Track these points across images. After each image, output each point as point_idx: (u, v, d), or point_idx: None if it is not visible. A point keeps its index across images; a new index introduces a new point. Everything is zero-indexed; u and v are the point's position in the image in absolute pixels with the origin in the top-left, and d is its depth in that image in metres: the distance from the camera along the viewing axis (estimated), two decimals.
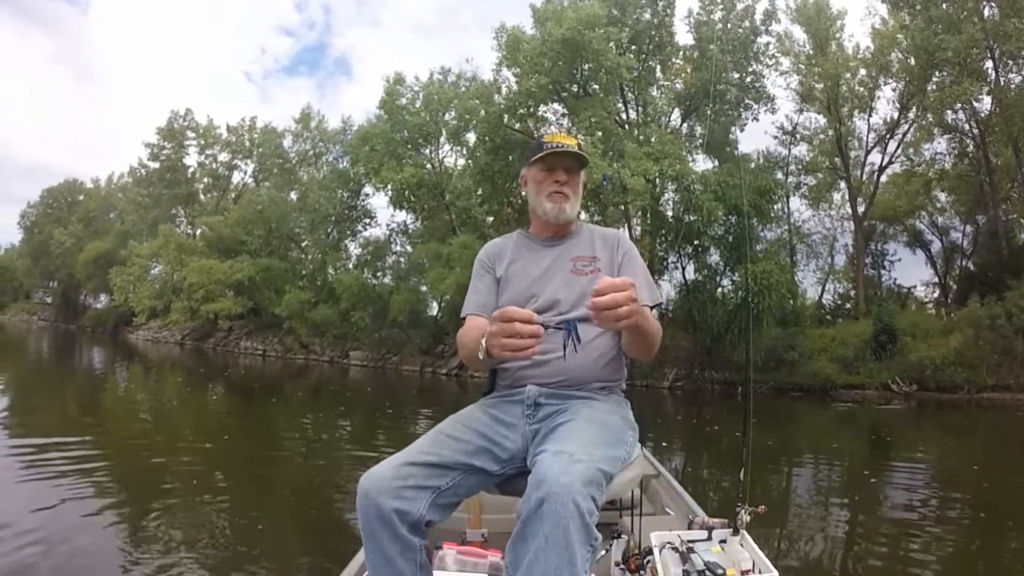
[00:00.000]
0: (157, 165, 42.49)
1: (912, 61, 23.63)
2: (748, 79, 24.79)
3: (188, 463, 7.62)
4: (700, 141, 25.11)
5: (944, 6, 22.01)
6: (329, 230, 33.86)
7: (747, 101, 24.97)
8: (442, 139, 27.70)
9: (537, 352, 1.48)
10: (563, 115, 25.13)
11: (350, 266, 32.87)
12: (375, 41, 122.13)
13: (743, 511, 2.34)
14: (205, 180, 43.87)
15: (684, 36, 25.92)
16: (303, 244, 36.10)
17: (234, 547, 4.86)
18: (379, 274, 31.97)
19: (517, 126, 24.46)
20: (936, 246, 30.11)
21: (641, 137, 22.74)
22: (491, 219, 26.88)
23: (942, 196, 29.25)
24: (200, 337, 37.56)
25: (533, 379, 1.82)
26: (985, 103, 23.40)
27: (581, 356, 1.79)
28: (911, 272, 41.56)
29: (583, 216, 2.40)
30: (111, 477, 6.61)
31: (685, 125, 26.13)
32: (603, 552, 2.28)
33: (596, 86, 23.82)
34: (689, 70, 25.20)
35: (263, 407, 14.54)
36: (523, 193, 2.16)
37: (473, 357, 1.70)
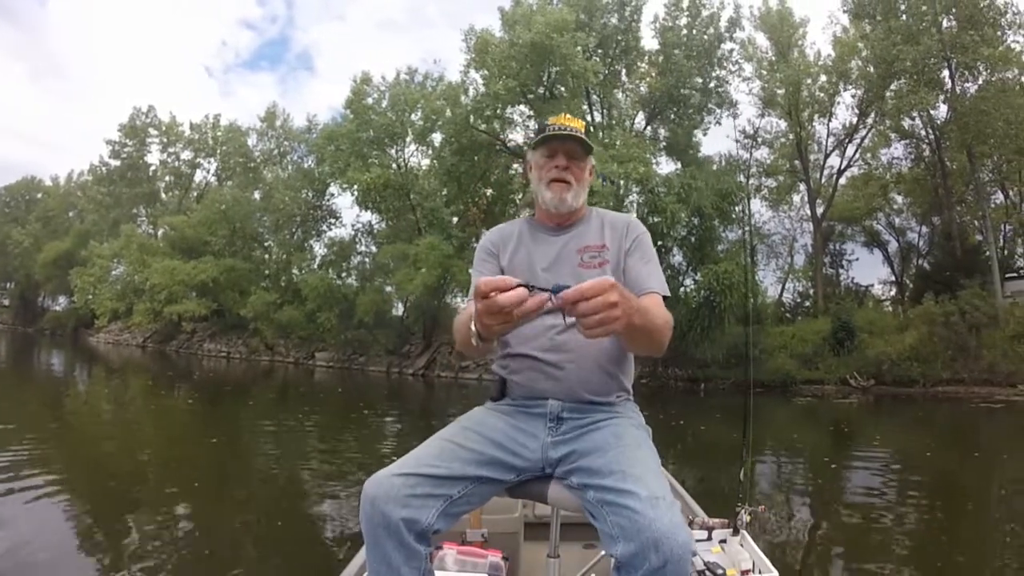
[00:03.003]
0: (118, 163, 41.65)
1: (871, 69, 24.23)
2: (712, 84, 25.19)
3: (164, 469, 7.38)
4: (663, 144, 25.48)
5: (904, 17, 22.61)
6: (294, 230, 33.57)
7: (710, 105, 25.35)
8: (408, 139, 27.56)
9: (533, 316, 1.33)
10: (529, 117, 25.27)
11: (315, 266, 32.54)
12: (339, 36, 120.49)
13: (743, 511, 2.37)
14: (167, 178, 42.99)
15: (650, 41, 26.28)
16: (266, 244, 35.64)
17: (221, 555, 4.70)
18: (344, 275, 31.78)
19: (483, 127, 24.56)
20: (893, 246, 31.26)
21: (606, 140, 22.97)
22: (456, 220, 26.89)
23: (899, 198, 30.24)
24: (162, 340, 36.83)
25: (553, 394, 1.74)
26: (941, 111, 24.18)
27: (596, 368, 1.75)
28: (868, 271, 42.83)
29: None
30: (77, 486, 6.28)
31: (649, 128, 26.46)
32: (602, 553, 2.28)
33: (562, 89, 23.98)
34: (654, 74, 25.50)
35: (239, 410, 14.16)
36: (529, 178, 2.00)
37: (467, 343, 1.56)
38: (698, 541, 2.30)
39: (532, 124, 24.74)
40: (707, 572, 2.11)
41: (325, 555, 4.63)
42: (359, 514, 1.49)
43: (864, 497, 7.12)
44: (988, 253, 23.54)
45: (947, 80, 22.91)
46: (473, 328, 1.42)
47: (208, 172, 42.81)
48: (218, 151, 40.78)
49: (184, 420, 12.29)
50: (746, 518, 2.36)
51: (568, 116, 1.86)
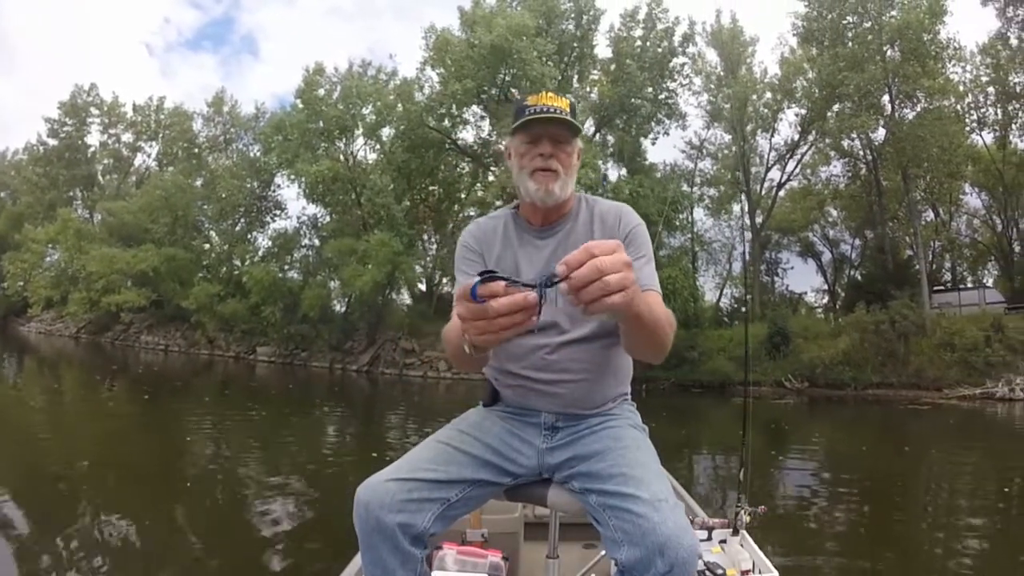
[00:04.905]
0: (56, 143, 39.77)
1: (816, 90, 25.23)
2: (662, 96, 25.81)
3: (136, 474, 6.82)
4: (611, 151, 25.95)
5: (850, 45, 23.56)
6: (238, 219, 32.66)
7: (659, 116, 25.93)
8: (357, 133, 27.19)
9: (522, 328, 1.05)
10: (482, 118, 25.46)
11: (257, 258, 31.70)
12: (285, 21, 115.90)
13: (742, 511, 2.37)
14: (106, 161, 41.30)
15: (604, 50, 26.80)
16: (207, 233, 34.52)
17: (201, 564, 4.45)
18: (287, 268, 31.07)
19: (433, 124, 24.61)
20: (826, 257, 32.84)
21: None
22: (404, 216, 26.69)
23: (834, 212, 31.55)
24: (97, 330, 35.03)
25: (546, 408, 1.66)
26: (880, 133, 25.33)
27: (591, 383, 1.65)
28: (802, 279, 44.54)
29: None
30: (9, 488, 5.67)
31: (598, 136, 26.90)
32: (602, 553, 2.28)
33: (515, 92, 24.16)
34: (606, 81, 25.95)
35: (194, 407, 13.03)
36: (508, 166, 1.76)
37: (460, 355, 1.39)
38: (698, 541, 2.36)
39: (485, 125, 24.85)
40: (707, 572, 2.11)
41: (320, 559, 4.48)
42: (353, 519, 1.45)
43: (814, 491, 7.50)
44: (918, 267, 24.87)
45: (887, 105, 24.05)
46: (466, 337, 1.16)
47: (149, 156, 41.29)
48: (161, 135, 39.29)
49: (142, 420, 11.15)
50: (745, 518, 2.36)
51: (551, 95, 1.60)
